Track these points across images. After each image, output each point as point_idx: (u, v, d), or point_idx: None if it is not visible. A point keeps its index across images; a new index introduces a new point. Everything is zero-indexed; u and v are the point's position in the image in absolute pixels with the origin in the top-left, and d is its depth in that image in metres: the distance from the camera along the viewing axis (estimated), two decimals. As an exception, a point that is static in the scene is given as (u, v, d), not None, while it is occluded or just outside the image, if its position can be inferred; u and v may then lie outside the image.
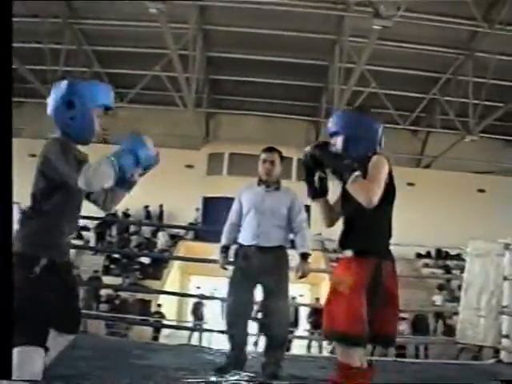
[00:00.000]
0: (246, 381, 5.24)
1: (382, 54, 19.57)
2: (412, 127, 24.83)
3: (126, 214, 24.83)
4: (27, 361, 2.95)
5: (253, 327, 12.12)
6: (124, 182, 3.47)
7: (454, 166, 24.87)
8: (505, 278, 7.69)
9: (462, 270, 8.59)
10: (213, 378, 5.18)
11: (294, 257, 5.58)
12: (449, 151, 24.68)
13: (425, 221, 23.75)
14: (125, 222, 26.13)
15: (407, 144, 26.28)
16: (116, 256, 23.12)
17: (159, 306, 19.42)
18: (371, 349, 16.91)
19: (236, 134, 24.54)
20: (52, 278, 3.13)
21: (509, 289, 7.75)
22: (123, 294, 19.58)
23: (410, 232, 22.60)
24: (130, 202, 24.70)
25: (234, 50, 21.63)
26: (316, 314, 17.57)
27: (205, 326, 18.80)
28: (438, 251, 24.93)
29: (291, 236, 5.61)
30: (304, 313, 19.84)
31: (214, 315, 17.61)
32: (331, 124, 3.65)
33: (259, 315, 6.29)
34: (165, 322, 18.86)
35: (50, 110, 3.50)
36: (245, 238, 5.58)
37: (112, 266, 22.60)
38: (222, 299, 8.80)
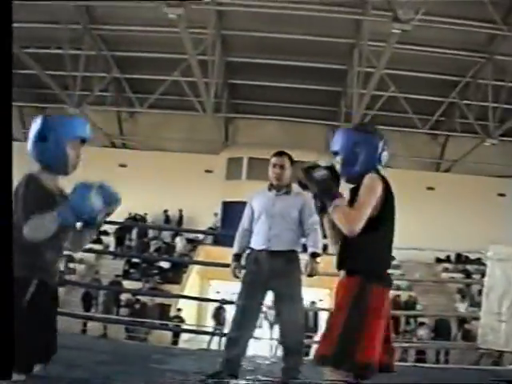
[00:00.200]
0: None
1: (401, 58, 19.52)
2: (431, 131, 24.70)
3: (144, 219, 24.94)
4: None
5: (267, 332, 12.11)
6: (89, 224, 3.49)
7: (473, 169, 24.70)
8: (526, 283, 7.63)
9: (483, 274, 8.53)
10: (234, 382, 5.18)
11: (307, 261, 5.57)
12: (468, 155, 24.53)
13: (444, 225, 23.62)
14: (144, 227, 26.18)
15: (427, 148, 26.19)
16: (135, 260, 23.21)
17: (179, 310, 19.46)
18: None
19: (255, 138, 24.56)
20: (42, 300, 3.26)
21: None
22: (143, 299, 19.64)
23: (429, 236, 22.60)
24: (150, 207, 24.83)
25: (253, 55, 21.66)
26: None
27: (225, 331, 18.80)
28: (458, 256, 24.77)
29: (303, 240, 5.59)
30: (324, 317, 19.80)
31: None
32: (333, 143, 3.68)
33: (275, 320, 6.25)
34: (184, 327, 18.90)
35: (28, 145, 3.44)
36: (256, 242, 5.56)
37: (131, 271, 22.68)
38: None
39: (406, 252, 23.51)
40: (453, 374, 7.70)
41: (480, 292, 19.04)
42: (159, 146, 26.58)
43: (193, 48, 18.10)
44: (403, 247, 22.74)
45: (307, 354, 8.18)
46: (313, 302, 16.06)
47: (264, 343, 15.77)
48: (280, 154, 5.69)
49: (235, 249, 5.75)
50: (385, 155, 3.61)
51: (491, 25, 17.90)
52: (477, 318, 8.43)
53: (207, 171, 25.62)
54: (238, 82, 24.03)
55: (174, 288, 21.15)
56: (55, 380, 4.89)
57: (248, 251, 5.65)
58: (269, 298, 5.64)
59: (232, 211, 22.57)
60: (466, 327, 18.34)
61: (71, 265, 22.79)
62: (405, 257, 24.04)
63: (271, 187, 5.64)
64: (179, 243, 24.32)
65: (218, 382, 5.17)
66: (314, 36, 19.78)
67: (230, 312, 7.16)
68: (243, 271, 5.70)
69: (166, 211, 25.44)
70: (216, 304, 19.43)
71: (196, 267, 22.57)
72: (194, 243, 24.56)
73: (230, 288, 21.09)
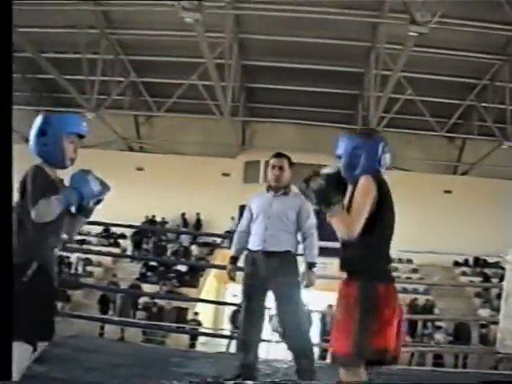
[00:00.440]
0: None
1: (418, 61, 19.46)
2: (449, 134, 24.57)
3: (164, 223, 25.03)
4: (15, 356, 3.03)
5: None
6: (81, 210, 3.81)
7: (491, 172, 24.52)
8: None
9: (501, 278, 8.48)
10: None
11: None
12: (486, 158, 24.38)
13: (462, 228, 23.51)
14: (160, 230, 26.23)
15: (444, 151, 26.07)
16: (153, 264, 23.27)
17: (196, 314, 19.48)
18: (409, 358, 16.88)
19: (272, 142, 24.51)
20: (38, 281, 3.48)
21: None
22: (160, 302, 19.69)
23: (447, 240, 22.51)
24: (167, 210, 24.89)
25: (270, 59, 21.66)
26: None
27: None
28: (476, 259, 24.64)
29: (300, 246, 5.60)
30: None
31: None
32: (337, 148, 3.85)
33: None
34: (201, 330, 18.91)
35: (30, 143, 3.79)
36: (253, 243, 5.58)
37: (149, 274, 22.74)
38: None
39: (423, 256, 23.49)
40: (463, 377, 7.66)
41: (499, 296, 18.98)
42: (176, 150, 26.65)
43: (210, 52, 18.13)
44: (421, 251, 22.81)
45: (324, 358, 8.15)
46: (330, 306, 15.96)
47: (282, 346, 15.73)
48: (279, 155, 5.75)
49: (232, 251, 5.79)
50: (385, 158, 3.76)
51: (509, 26, 17.82)
52: (496, 322, 8.37)
53: (224, 175, 25.65)
54: (255, 85, 24.05)
55: (191, 291, 21.18)
56: (74, 382, 4.91)
57: (246, 252, 5.66)
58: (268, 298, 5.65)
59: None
60: (483, 331, 18.25)
61: (89, 268, 22.91)
62: (422, 260, 24.02)
63: (269, 188, 5.68)
64: (194, 250, 24.43)
65: None
66: (330, 39, 19.77)
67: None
68: (239, 273, 5.73)
69: (183, 214, 25.50)
70: (233, 307, 19.43)
71: (213, 271, 22.58)
72: (211, 247, 24.58)
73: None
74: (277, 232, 5.47)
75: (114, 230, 25.12)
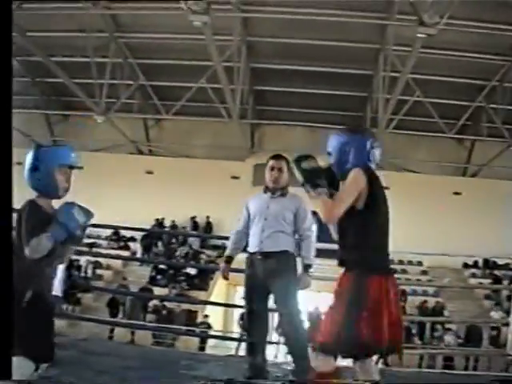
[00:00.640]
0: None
1: (426, 62, 19.43)
2: (458, 136, 24.51)
3: (174, 226, 25.08)
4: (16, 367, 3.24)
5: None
6: (70, 239, 3.90)
7: (500, 174, 24.43)
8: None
9: (511, 280, 8.46)
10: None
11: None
12: (496, 159, 24.31)
13: (472, 230, 23.44)
14: (170, 233, 26.28)
15: (453, 153, 26.00)
16: (162, 267, 23.29)
17: (206, 316, 19.50)
18: (418, 360, 16.84)
19: (281, 144, 24.50)
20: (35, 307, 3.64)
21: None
22: (170, 305, 19.71)
23: (456, 242, 22.45)
24: (176, 213, 24.92)
25: (278, 61, 21.68)
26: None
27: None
28: (486, 261, 24.55)
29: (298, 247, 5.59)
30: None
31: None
32: (327, 146, 3.92)
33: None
34: (211, 333, 18.92)
35: (25, 175, 3.96)
36: (251, 244, 5.61)
37: (158, 277, 22.76)
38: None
39: (433, 258, 23.45)
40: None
41: (509, 298, 18.94)
42: (185, 153, 26.69)
43: (218, 55, 18.14)
44: (430, 253, 22.76)
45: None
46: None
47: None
48: (278, 157, 5.76)
49: (227, 251, 5.82)
50: (374, 153, 3.83)
51: (517, 28, 17.81)
52: (506, 324, 8.35)
53: (233, 178, 25.65)
54: (264, 88, 24.06)
55: (200, 294, 21.21)
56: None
57: (246, 255, 5.67)
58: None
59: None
60: (494, 333, 18.20)
61: (98, 271, 22.95)
62: (432, 262, 23.96)
63: (267, 189, 5.69)
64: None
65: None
66: (339, 41, 19.77)
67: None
68: (231, 273, 5.74)
69: (194, 218, 25.54)
70: (242, 310, 19.42)
71: (223, 273, 22.56)
72: (220, 250, 24.59)
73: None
74: (274, 233, 5.48)
75: (123, 232, 25.16)
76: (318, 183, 3.62)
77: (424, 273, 23.99)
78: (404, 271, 24.00)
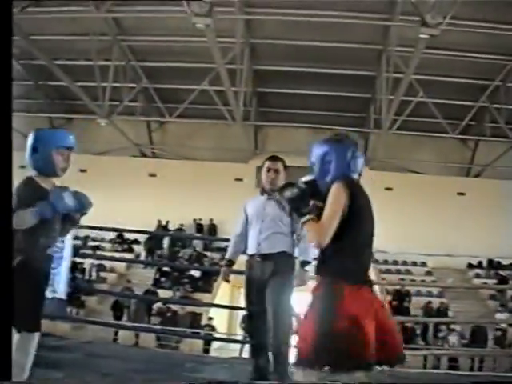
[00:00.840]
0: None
1: (429, 63, 19.40)
2: (461, 136, 24.49)
3: (180, 229, 25.11)
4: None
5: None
6: (67, 220, 4.40)
7: (504, 174, 24.42)
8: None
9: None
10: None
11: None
12: (499, 159, 24.31)
13: (476, 231, 23.42)
14: (174, 236, 26.29)
15: (457, 153, 26.00)
16: (166, 269, 23.30)
17: (210, 319, 19.50)
18: (422, 361, 16.83)
19: (284, 146, 24.48)
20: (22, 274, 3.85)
21: None
22: (174, 307, 19.70)
23: (460, 242, 22.43)
24: (180, 216, 24.93)
25: (281, 63, 21.69)
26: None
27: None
28: (490, 261, 24.51)
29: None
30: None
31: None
32: (310, 156, 3.96)
33: None
34: (215, 335, 18.91)
35: (26, 156, 4.28)
36: (249, 247, 5.60)
37: (162, 279, 22.77)
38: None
39: (437, 258, 23.44)
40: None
41: (513, 298, 18.89)
42: (189, 155, 26.71)
43: (221, 57, 18.15)
44: (434, 253, 22.76)
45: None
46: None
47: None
48: (274, 158, 5.77)
49: (227, 254, 5.82)
50: (356, 163, 3.78)
51: (520, 27, 17.79)
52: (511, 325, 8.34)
53: (237, 179, 25.66)
54: (267, 90, 24.06)
55: (204, 297, 21.20)
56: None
57: (246, 258, 5.66)
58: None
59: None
60: (498, 334, 18.18)
61: (102, 274, 22.98)
62: (436, 263, 23.94)
63: (263, 191, 5.68)
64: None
65: None
66: (341, 43, 19.76)
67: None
68: (236, 276, 5.74)
69: (198, 220, 25.55)
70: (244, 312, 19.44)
71: (227, 276, 22.57)
72: (224, 252, 24.58)
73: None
74: (271, 235, 5.46)
75: (127, 235, 25.18)
76: (303, 211, 3.64)
77: (428, 273, 23.97)
78: (408, 272, 24.01)
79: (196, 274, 22.60)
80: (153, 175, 26.52)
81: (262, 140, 26.90)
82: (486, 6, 16.83)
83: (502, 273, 23.42)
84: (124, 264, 23.84)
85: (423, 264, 24.54)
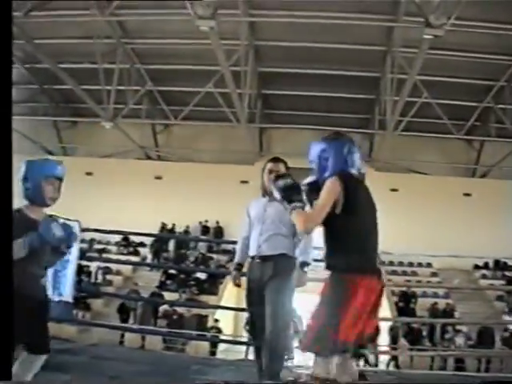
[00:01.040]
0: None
1: (434, 64, 19.38)
2: (467, 136, 24.46)
3: (187, 231, 25.14)
4: None
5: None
6: (56, 251, 4.35)
7: (510, 174, 24.35)
8: None
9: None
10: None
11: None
12: (505, 160, 24.27)
13: (482, 231, 23.37)
14: (181, 238, 26.32)
15: (462, 154, 25.96)
16: (172, 272, 23.32)
17: (216, 321, 19.50)
18: (430, 362, 16.82)
19: (289, 148, 24.46)
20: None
21: None
22: (180, 310, 19.72)
23: (466, 243, 22.38)
24: (187, 219, 24.96)
25: (286, 65, 21.68)
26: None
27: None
28: (496, 262, 24.46)
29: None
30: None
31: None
32: (309, 154, 4.09)
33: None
34: (222, 337, 18.91)
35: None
36: (251, 248, 5.58)
37: (168, 282, 22.79)
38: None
39: (443, 259, 23.39)
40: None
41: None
42: (194, 158, 26.74)
43: (225, 59, 18.15)
44: (440, 254, 22.73)
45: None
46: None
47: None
48: (276, 160, 5.81)
49: (236, 258, 5.82)
50: (352, 158, 3.94)
51: (524, 27, 17.75)
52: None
53: (242, 182, 25.64)
54: (272, 92, 24.07)
55: (210, 299, 21.21)
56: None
57: (248, 260, 5.67)
58: None
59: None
60: (505, 335, 18.13)
61: (108, 276, 23.00)
62: (442, 264, 23.90)
63: (265, 193, 5.69)
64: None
65: None
66: (345, 44, 19.75)
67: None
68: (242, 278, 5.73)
69: (204, 222, 25.57)
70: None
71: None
72: (231, 254, 24.60)
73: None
74: (271, 236, 5.45)
75: (133, 238, 25.20)
76: (293, 199, 3.78)
77: (434, 274, 23.94)
78: (414, 273, 23.99)
79: (202, 276, 22.61)
80: (158, 178, 26.54)
81: (266, 142, 26.91)
82: (490, 6, 16.78)
83: (508, 274, 23.38)
84: (130, 267, 23.87)
85: (429, 265, 24.51)
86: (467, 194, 25.20)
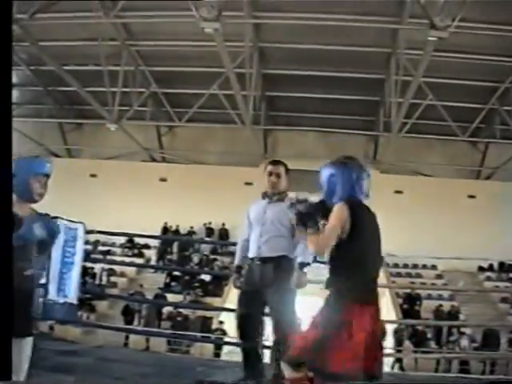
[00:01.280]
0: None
1: (438, 66, 19.38)
2: (471, 138, 24.44)
3: (191, 233, 25.14)
4: None
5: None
6: (41, 247, 4.46)
7: (515, 176, 24.37)
8: None
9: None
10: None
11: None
12: (510, 162, 24.22)
13: (486, 233, 23.31)
14: (185, 240, 26.33)
15: (467, 156, 25.92)
16: (177, 273, 23.33)
17: (221, 323, 19.50)
18: (435, 364, 16.81)
19: (294, 149, 24.55)
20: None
21: None
22: (185, 311, 19.72)
23: (471, 245, 22.34)
24: (191, 220, 24.97)
25: (290, 67, 21.70)
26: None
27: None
28: (501, 264, 24.42)
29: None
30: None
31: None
32: (320, 177, 4.13)
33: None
34: (226, 339, 18.92)
35: None
36: (250, 250, 5.62)
37: (173, 284, 22.80)
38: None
39: (447, 261, 23.35)
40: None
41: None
42: (199, 160, 26.76)
43: (230, 61, 18.17)
44: (445, 256, 22.68)
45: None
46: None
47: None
48: (275, 162, 5.82)
49: (236, 261, 5.85)
50: (360, 185, 3.97)
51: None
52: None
53: (247, 184, 25.64)
54: (276, 93, 24.08)
55: (215, 301, 21.22)
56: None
57: (246, 261, 5.68)
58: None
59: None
60: (511, 337, 18.09)
61: (112, 278, 23.02)
62: (447, 266, 23.87)
63: (265, 195, 5.72)
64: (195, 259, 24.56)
65: None
66: (350, 46, 19.76)
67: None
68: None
69: (208, 224, 25.57)
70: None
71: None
72: (234, 256, 24.58)
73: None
74: (271, 238, 5.49)
75: (137, 240, 25.22)
76: (308, 224, 3.84)
77: (439, 276, 23.91)
78: (419, 275, 23.96)
79: (206, 278, 22.62)
80: (163, 180, 26.56)
81: (271, 144, 26.90)
82: (494, 7, 16.78)
83: (512, 276, 23.38)
84: (134, 268, 23.90)
85: (434, 267, 24.47)
86: (472, 196, 25.16)
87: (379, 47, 20.13)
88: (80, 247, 7.15)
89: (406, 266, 24.52)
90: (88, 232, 7.98)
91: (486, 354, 17.28)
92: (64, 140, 27.68)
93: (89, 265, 19.63)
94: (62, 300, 7.23)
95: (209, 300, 21.34)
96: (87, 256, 9.49)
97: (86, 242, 8.65)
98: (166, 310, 20.05)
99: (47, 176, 4.48)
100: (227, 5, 15.50)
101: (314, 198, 4.08)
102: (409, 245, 22.52)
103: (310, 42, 19.68)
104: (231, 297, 21.59)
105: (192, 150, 26.70)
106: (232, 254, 23.58)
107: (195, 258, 24.49)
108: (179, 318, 19.47)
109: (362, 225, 3.80)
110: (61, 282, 7.16)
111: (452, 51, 19.11)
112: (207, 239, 25.24)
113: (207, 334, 18.70)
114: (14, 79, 21.74)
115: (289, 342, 5.38)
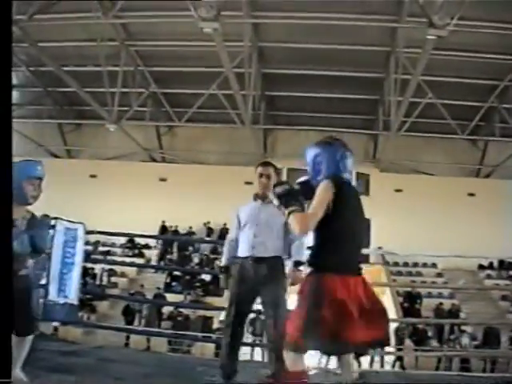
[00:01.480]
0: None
1: (437, 64, 19.38)
2: (471, 137, 24.46)
3: (192, 233, 25.14)
4: None
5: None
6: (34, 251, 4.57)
7: (514, 174, 24.39)
8: None
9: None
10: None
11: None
12: (509, 160, 24.24)
13: (486, 231, 23.32)
14: (185, 240, 26.34)
15: (467, 154, 25.94)
16: (177, 273, 23.33)
17: (222, 322, 19.49)
18: (436, 363, 16.81)
19: (293, 149, 24.50)
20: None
21: None
22: (185, 311, 19.73)
23: (471, 243, 22.33)
24: (191, 220, 24.97)
25: (289, 66, 21.70)
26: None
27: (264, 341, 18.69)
28: (501, 262, 24.42)
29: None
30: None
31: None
32: (305, 158, 4.24)
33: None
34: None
35: None
36: (241, 249, 5.62)
37: (173, 284, 22.80)
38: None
39: (447, 260, 23.36)
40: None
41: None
42: (198, 160, 26.77)
43: (229, 61, 18.16)
44: (445, 255, 22.72)
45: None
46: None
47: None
48: (265, 164, 5.98)
49: (223, 261, 5.87)
50: (345, 163, 4.08)
51: (528, 27, 17.73)
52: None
53: (247, 183, 25.62)
54: (276, 93, 24.09)
55: (216, 300, 21.21)
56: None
57: (235, 260, 5.69)
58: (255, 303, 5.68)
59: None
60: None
61: (113, 278, 23.03)
62: (447, 264, 23.87)
63: (257, 197, 5.80)
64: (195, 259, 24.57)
65: None
66: (349, 45, 19.76)
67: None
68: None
69: (207, 223, 25.58)
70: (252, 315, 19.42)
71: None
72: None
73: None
74: (265, 239, 5.51)
75: (138, 240, 25.23)
76: (290, 203, 3.87)
77: (439, 275, 23.92)
78: (419, 273, 23.97)
79: (207, 277, 22.63)
80: (163, 180, 26.57)
81: (271, 143, 26.93)
82: (493, 6, 16.76)
83: (512, 274, 23.38)
84: (135, 269, 23.92)
85: (434, 265, 24.50)
86: (471, 194, 25.18)
87: (378, 46, 20.13)
88: (80, 248, 7.16)
89: (406, 264, 24.54)
90: (88, 232, 8.00)
91: (487, 352, 17.32)
92: (64, 141, 27.69)
93: (89, 265, 19.65)
94: (62, 301, 7.24)
95: (209, 300, 21.32)
96: (87, 256, 9.51)
97: (87, 243, 8.67)
98: (167, 309, 20.05)
99: (40, 179, 4.57)
100: (226, 5, 15.51)
101: (299, 179, 4.20)
102: (409, 243, 22.50)
103: (309, 41, 19.68)
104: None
105: (191, 150, 26.72)
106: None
107: (195, 258, 24.51)
108: (180, 318, 19.48)
109: (346, 201, 3.90)
110: (61, 282, 7.17)
111: (451, 49, 19.11)
112: (207, 239, 25.26)
113: (208, 334, 18.69)
114: (14, 80, 21.74)
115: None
